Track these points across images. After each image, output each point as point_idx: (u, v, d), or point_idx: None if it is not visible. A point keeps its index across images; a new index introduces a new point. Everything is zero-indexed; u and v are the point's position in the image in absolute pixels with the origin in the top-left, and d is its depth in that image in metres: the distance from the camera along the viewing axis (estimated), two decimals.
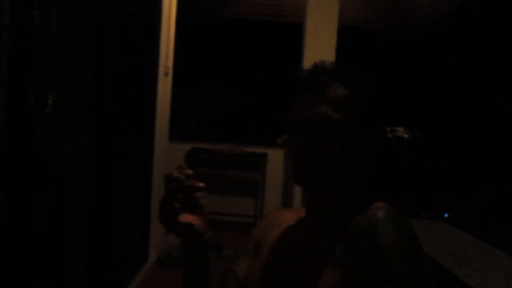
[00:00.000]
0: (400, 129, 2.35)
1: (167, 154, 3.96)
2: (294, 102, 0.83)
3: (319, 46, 4.06)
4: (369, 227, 0.66)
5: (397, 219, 0.67)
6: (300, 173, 0.80)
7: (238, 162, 4.85)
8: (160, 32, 3.41)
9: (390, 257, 0.61)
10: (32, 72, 1.77)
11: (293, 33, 4.85)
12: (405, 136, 2.32)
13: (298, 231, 0.85)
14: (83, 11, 2.39)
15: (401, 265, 0.61)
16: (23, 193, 1.76)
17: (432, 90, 5.51)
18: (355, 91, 0.79)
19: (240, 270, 0.91)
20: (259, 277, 0.84)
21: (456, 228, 2.00)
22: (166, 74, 3.62)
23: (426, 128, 4.97)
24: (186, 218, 0.77)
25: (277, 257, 0.83)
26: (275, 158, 4.90)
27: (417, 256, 0.64)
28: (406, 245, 0.63)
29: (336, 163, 0.78)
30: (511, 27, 4.56)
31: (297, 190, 4.14)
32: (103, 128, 2.51)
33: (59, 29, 1.98)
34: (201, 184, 0.78)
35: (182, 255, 0.85)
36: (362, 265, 0.64)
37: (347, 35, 4.53)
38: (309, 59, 3.94)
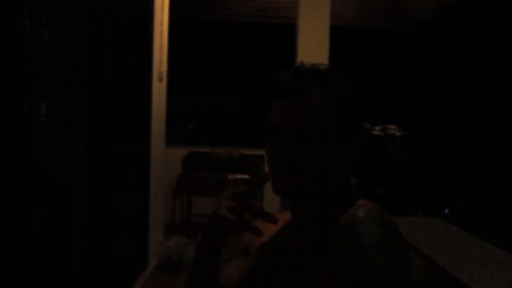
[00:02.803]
0: (393, 126, 2.36)
1: (164, 159, 3.96)
2: (271, 106, 0.81)
3: (312, 46, 4.07)
4: (350, 227, 0.66)
5: (378, 217, 0.67)
6: (281, 183, 0.79)
7: (235, 164, 4.85)
8: (152, 37, 3.42)
9: (371, 257, 0.61)
10: (25, 81, 1.78)
11: (287, 34, 4.86)
12: (398, 134, 2.33)
13: (284, 234, 0.86)
14: (75, 19, 2.40)
15: (382, 263, 0.61)
16: (19, 202, 1.76)
17: (427, 87, 5.52)
18: (336, 96, 0.77)
19: (227, 277, 0.91)
20: (248, 280, 0.85)
21: (451, 224, 2.01)
22: (160, 79, 3.62)
23: (423, 125, 4.98)
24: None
25: (265, 261, 0.84)
26: None
27: (399, 253, 0.64)
28: (387, 243, 0.64)
29: (318, 171, 0.76)
30: (505, 23, 4.57)
31: None
32: (98, 135, 2.52)
33: (51, 37, 1.99)
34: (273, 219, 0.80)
35: (199, 260, 0.84)
36: (345, 265, 0.64)
37: (340, 34, 4.54)
38: (302, 60, 3.95)
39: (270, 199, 4.94)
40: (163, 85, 3.76)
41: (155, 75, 3.48)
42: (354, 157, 0.80)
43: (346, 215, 0.67)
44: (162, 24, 3.60)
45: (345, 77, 0.81)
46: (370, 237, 0.63)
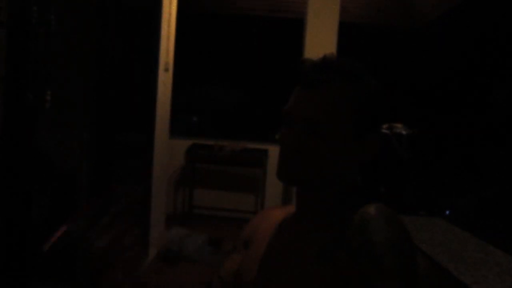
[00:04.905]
0: (399, 125, 2.34)
1: (167, 150, 3.96)
2: (293, 92, 0.80)
3: (320, 42, 4.05)
4: (361, 224, 0.66)
5: (389, 216, 0.67)
6: (283, 169, 0.79)
7: (239, 158, 4.85)
8: (160, 28, 3.41)
9: (381, 254, 0.62)
10: (31, 67, 1.77)
11: (294, 29, 4.83)
12: (404, 132, 2.32)
13: (286, 226, 0.86)
14: (83, 6, 2.39)
15: (392, 262, 0.61)
16: (23, 189, 1.77)
17: (433, 86, 5.49)
18: (355, 95, 0.76)
19: (227, 270, 0.91)
20: (248, 271, 0.85)
21: (454, 225, 2.00)
22: (166, 70, 3.62)
23: (429, 125, 4.96)
24: None
25: (265, 251, 0.84)
26: (276, 154, 4.84)
27: (409, 253, 0.65)
28: (397, 242, 0.64)
29: (322, 165, 0.76)
30: None
31: None
32: (103, 124, 2.52)
33: (57, 24, 1.98)
34: None
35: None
36: (353, 261, 0.64)
37: (348, 31, 4.51)
38: (310, 55, 3.93)
39: (272, 193, 4.95)
40: (169, 76, 3.75)
41: (161, 65, 3.47)
42: (365, 159, 0.79)
43: (356, 212, 0.67)
44: (170, 14, 3.59)
45: (371, 77, 0.79)
46: (381, 235, 0.63)
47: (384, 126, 2.41)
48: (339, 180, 0.79)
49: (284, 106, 0.81)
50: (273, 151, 4.87)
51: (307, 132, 0.75)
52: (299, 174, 0.77)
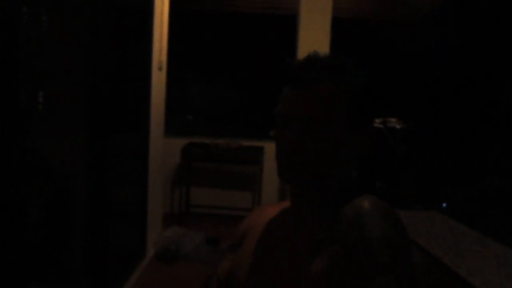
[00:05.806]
0: (393, 119, 2.35)
1: (162, 149, 3.95)
2: (282, 93, 0.80)
3: (314, 38, 4.05)
4: (356, 219, 0.66)
5: (384, 210, 0.67)
6: (286, 171, 0.79)
7: (234, 156, 4.84)
8: (153, 26, 3.39)
9: (377, 249, 0.61)
10: (23, 69, 1.76)
11: (288, 25, 4.83)
12: (398, 127, 2.32)
13: (281, 221, 0.86)
14: (74, 6, 2.37)
15: (388, 257, 0.61)
16: (18, 191, 1.76)
17: (428, 80, 5.50)
18: (346, 89, 0.77)
19: (224, 269, 0.91)
20: (241, 268, 0.84)
21: (450, 218, 2.01)
22: (160, 69, 3.60)
23: (424, 119, 4.97)
24: None
25: (257, 247, 0.84)
26: (272, 151, 4.86)
27: (404, 247, 0.64)
28: (393, 236, 0.64)
29: (323, 162, 0.77)
30: (510, 16, 4.54)
31: None
32: (97, 124, 2.50)
33: (49, 25, 1.96)
34: None
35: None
36: (349, 257, 0.64)
37: (341, 26, 4.51)
38: (303, 51, 3.93)
39: (268, 190, 4.95)
40: (163, 74, 3.74)
41: (154, 64, 3.46)
42: (361, 152, 0.80)
43: (351, 207, 0.67)
44: (162, 13, 3.58)
45: (360, 71, 0.80)
46: (376, 230, 0.63)
47: (378, 120, 2.41)
48: (336, 175, 0.80)
49: (276, 108, 0.81)
50: (269, 148, 4.87)
51: (304, 131, 0.76)
52: (301, 173, 0.78)
